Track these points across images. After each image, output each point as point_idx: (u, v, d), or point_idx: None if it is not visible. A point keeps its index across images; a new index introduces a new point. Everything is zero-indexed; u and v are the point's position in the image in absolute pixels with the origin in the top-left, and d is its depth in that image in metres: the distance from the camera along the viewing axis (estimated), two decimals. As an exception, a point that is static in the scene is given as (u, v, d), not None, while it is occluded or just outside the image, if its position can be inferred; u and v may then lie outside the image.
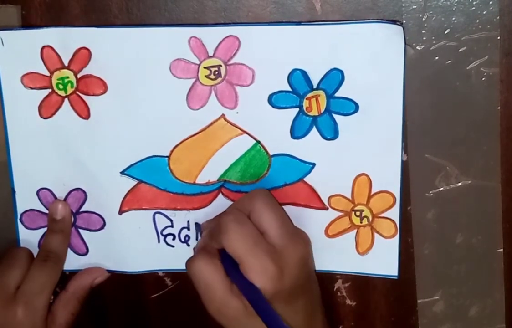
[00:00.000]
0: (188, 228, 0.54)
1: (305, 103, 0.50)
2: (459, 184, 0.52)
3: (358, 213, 0.53)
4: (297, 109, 0.50)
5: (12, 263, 0.52)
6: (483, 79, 0.49)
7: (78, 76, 0.50)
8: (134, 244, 0.55)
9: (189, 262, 0.48)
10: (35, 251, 0.55)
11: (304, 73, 0.49)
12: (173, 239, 0.54)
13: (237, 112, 0.51)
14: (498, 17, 0.48)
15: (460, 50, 0.49)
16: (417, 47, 0.49)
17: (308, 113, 0.50)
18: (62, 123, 0.52)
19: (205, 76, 0.50)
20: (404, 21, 0.49)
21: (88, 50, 0.50)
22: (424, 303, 0.55)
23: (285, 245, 0.48)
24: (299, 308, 0.49)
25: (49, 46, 0.50)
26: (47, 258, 0.52)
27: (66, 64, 0.50)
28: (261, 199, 0.49)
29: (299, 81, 0.50)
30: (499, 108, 0.50)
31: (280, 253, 0.47)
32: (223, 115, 0.51)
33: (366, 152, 0.51)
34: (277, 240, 0.47)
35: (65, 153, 0.52)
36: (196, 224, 0.54)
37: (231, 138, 0.51)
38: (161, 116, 0.51)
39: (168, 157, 0.52)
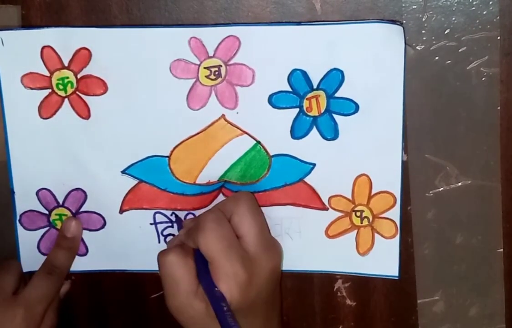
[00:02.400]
0: (189, 229, 0.54)
1: (305, 103, 0.50)
2: (459, 184, 0.52)
3: (358, 214, 0.53)
4: (297, 109, 0.50)
5: (6, 270, 0.52)
6: (483, 79, 0.49)
7: (78, 76, 0.50)
8: (134, 244, 0.55)
9: (161, 254, 0.48)
10: (34, 252, 0.55)
11: (304, 73, 0.49)
12: (174, 239, 0.55)
13: (237, 112, 0.51)
14: (498, 17, 0.48)
15: (460, 50, 0.49)
16: (417, 47, 0.49)
17: (308, 113, 0.50)
18: (62, 123, 0.52)
19: (205, 76, 0.50)
20: (404, 21, 0.49)
21: (88, 50, 0.50)
22: (424, 303, 0.55)
23: (258, 254, 0.48)
24: (259, 323, 0.49)
25: (49, 46, 0.50)
26: (52, 271, 0.52)
27: (66, 64, 0.50)
28: (245, 203, 0.49)
29: (299, 81, 0.50)
30: (499, 108, 0.50)
31: (253, 261, 0.47)
32: (223, 115, 0.51)
33: (366, 153, 0.51)
34: (252, 248, 0.47)
35: (65, 154, 0.52)
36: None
37: (231, 138, 0.51)
38: (161, 116, 0.51)
39: (169, 157, 0.52)
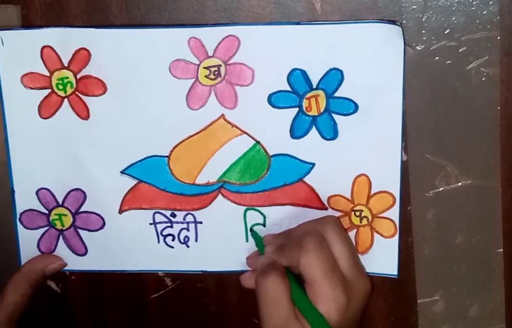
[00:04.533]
0: (188, 229, 0.54)
1: (305, 103, 0.50)
2: (459, 184, 0.52)
3: (357, 213, 0.53)
4: (296, 109, 0.50)
5: None
6: (483, 79, 0.49)
7: (78, 76, 0.51)
8: (134, 244, 0.55)
9: (260, 276, 0.47)
10: (34, 251, 0.55)
11: (303, 73, 0.49)
12: (173, 240, 0.54)
13: (236, 112, 0.51)
14: (498, 17, 0.48)
15: (460, 50, 0.49)
16: (417, 47, 0.49)
17: (308, 113, 0.50)
18: (61, 123, 0.52)
19: (205, 76, 0.50)
20: (404, 21, 0.49)
21: (88, 50, 0.50)
22: (424, 303, 0.55)
23: (353, 278, 0.47)
24: None
25: (49, 46, 0.50)
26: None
27: (66, 64, 0.50)
28: (333, 226, 0.48)
29: (298, 81, 0.50)
30: (499, 108, 0.50)
31: (349, 284, 0.47)
32: (222, 115, 0.51)
33: (366, 152, 0.51)
34: (347, 271, 0.47)
35: (64, 154, 0.52)
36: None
37: (230, 138, 0.51)
38: (160, 116, 0.51)
39: (168, 157, 0.52)
